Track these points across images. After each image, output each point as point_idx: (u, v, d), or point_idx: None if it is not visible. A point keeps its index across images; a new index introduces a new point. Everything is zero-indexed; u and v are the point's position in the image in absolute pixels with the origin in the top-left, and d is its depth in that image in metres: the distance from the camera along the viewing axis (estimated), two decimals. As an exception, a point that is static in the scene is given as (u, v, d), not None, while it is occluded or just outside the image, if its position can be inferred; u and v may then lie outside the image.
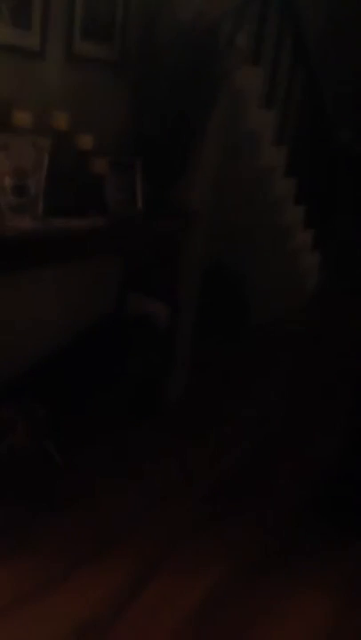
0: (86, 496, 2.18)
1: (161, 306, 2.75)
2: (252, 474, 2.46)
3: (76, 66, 2.41)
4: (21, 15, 2.16)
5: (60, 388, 2.45)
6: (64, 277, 2.62)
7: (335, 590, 1.90)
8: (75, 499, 2.15)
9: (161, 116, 2.55)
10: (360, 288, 4.77)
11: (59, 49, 2.33)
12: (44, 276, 2.55)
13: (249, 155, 3.53)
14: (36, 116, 2.13)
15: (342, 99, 5.04)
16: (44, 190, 2.13)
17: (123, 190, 2.50)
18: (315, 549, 2.05)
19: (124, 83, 2.59)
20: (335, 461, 2.24)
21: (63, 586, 1.82)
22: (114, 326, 2.79)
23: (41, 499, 2.12)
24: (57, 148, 2.17)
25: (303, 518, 2.19)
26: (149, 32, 2.59)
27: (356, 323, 4.09)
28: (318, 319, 4.34)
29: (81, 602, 1.77)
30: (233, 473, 2.40)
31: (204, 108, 2.57)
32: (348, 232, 5.00)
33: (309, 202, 4.24)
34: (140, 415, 2.70)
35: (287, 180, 3.95)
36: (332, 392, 3.20)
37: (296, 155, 3.99)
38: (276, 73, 3.69)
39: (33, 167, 2.10)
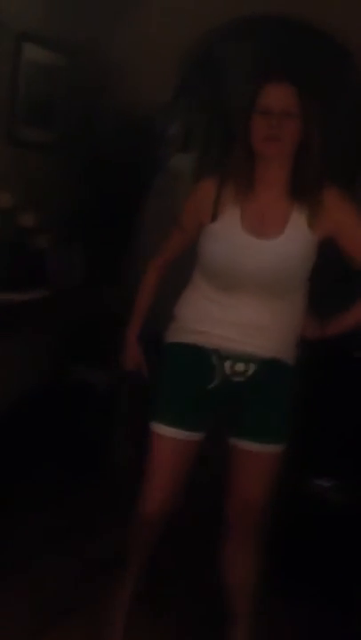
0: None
1: (101, 374, 2.81)
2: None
3: (18, 149, 2.57)
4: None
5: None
6: (1, 347, 2.66)
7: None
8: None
9: (101, 195, 2.71)
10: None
11: (1, 134, 2.48)
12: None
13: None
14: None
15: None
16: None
17: (64, 263, 2.62)
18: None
19: (65, 163, 2.75)
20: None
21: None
22: (53, 395, 2.83)
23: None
24: (-1, 225, 2.28)
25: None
26: (88, 118, 2.79)
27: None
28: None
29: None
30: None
31: (143, 188, 2.76)
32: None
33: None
34: (81, 484, 2.68)
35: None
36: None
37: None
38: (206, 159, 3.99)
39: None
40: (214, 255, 1.60)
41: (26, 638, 1.88)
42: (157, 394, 1.71)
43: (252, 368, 1.63)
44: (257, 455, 1.66)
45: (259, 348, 1.62)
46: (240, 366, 1.63)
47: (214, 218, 1.61)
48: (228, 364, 1.63)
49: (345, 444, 2.17)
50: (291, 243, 1.57)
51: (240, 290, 1.59)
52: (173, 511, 1.74)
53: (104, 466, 2.77)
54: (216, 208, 1.61)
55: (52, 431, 2.75)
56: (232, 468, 1.72)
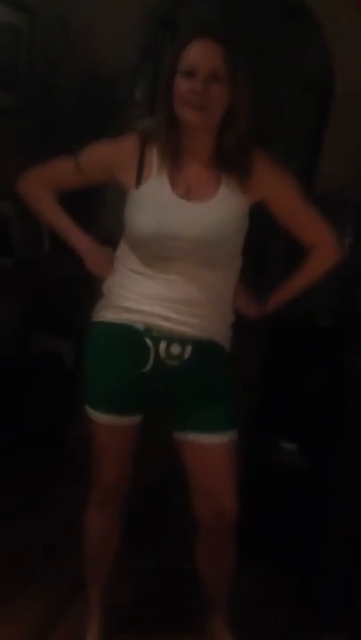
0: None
1: (66, 344, 2.81)
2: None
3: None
4: None
5: None
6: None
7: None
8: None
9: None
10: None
11: None
12: None
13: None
14: None
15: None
16: None
17: (28, 232, 2.58)
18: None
19: (27, 129, 2.69)
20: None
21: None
22: (17, 366, 2.81)
23: None
24: None
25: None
26: (51, 80, 2.72)
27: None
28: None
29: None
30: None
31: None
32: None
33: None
34: (42, 455, 2.68)
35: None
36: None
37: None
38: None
39: None
40: (143, 221, 1.47)
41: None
42: (86, 377, 1.59)
43: (188, 351, 1.51)
44: (208, 447, 1.55)
45: (195, 328, 1.51)
46: (176, 348, 1.51)
47: (139, 183, 1.50)
48: (162, 346, 1.50)
49: (308, 408, 2.25)
50: (222, 206, 1.48)
51: (171, 260, 1.47)
52: (128, 486, 1.68)
53: (63, 440, 2.73)
54: (140, 173, 1.50)
55: (16, 402, 2.75)
56: (186, 465, 1.61)
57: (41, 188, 1.66)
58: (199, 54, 1.40)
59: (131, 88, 2.89)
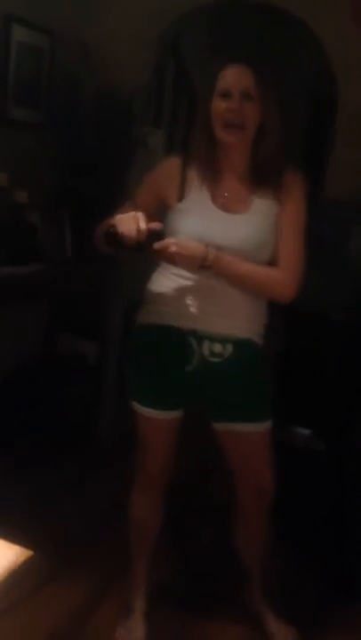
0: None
1: (89, 344, 2.97)
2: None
3: (9, 129, 2.66)
4: None
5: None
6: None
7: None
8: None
9: (86, 173, 2.84)
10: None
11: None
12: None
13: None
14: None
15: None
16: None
17: (54, 240, 2.74)
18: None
19: (51, 143, 2.86)
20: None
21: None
22: (44, 366, 2.96)
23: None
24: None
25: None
26: (72, 98, 2.90)
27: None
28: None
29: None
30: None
31: (125, 165, 2.90)
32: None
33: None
34: (73, 453, 2.82)
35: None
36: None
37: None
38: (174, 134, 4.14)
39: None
40: (185, 230, 1.58)
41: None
42: (134, 376, 1.72)
43: (229, 349, 1.63)
44: (248, 435, 1.68)
45: (235, 329, 1.63)
46: (217, 347, 1.62)
47: (181, 198, 1.62)
48: (205, 345, 1.62)
49: (322, 396, 2.43)
50: (256, 217, 1.60)
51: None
52: (170, 473, 1.79)
53: (89, 440, 2.86)
54: (183, 189, 1.62)
55: (41, 402, 2.88)
56: (228, 452, 1.74)
57: None
58: (233, 77, 1.55)
59: (144, 106, 3.08)
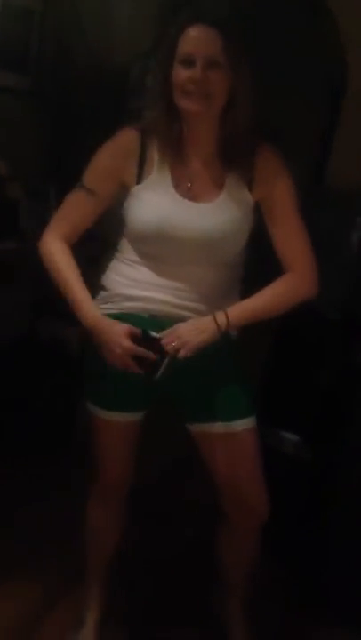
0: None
1: (72, 330, 2.80)
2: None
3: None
4: None
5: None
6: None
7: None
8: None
9: (77, 145, 2.65)
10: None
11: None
12: None
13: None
14: None
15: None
16: None
17: (38, 216, 2.56)
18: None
19: (38, 111, 2.68)
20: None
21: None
22: (24, 350, 2.81)
23: None
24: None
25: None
26: (64, 64, 2.70)
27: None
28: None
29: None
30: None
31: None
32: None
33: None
34: (51, 442, 2.67)
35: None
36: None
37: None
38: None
39: None
40: (144, 221, 1.41)
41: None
42: (89, 373, 1.54)
43: None
44: (225, 437, 1.48)
45: (200, 314, 1.44)
46: None
47: (140, 179, 1.44)
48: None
49: (313, 401, 2.26)
50: (226, 206, 1.42)
51: (173, 258, 1.43)
52: (130, 480, 1.64)
53: (68, 425, 2.69)
54: (142, 168, 1.43)
55: (21, 388, 2.73)
56: (206, 457, 1.54)
57: (60, 247, 1.52)
58: (196, 41, 1.33)
59: (142, 76, 2.87)
